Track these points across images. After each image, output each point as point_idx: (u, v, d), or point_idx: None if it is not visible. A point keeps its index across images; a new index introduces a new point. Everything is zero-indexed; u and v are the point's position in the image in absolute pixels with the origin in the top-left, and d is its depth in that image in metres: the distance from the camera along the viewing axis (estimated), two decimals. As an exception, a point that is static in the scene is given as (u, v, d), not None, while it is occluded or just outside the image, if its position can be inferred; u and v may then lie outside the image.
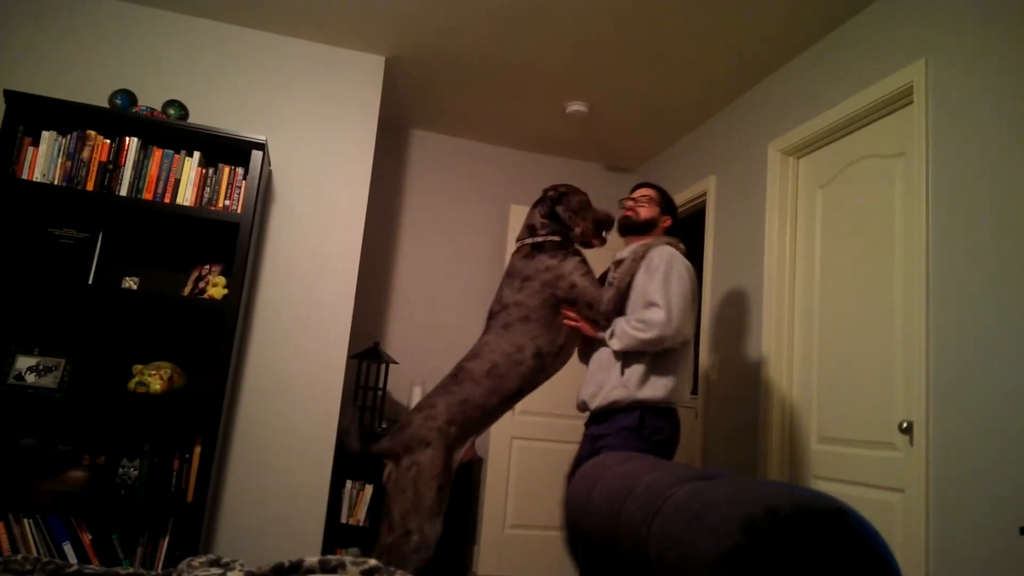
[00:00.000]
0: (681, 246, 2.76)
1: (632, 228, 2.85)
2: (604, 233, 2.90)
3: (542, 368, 2.63)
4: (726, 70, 3.70)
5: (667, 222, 2.89)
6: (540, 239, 2.74)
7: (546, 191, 2.82)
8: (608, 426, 2.60)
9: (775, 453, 3.29)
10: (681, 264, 2.64)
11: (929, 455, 2.48)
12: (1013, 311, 2.25)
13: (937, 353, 2.50)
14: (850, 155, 3.16)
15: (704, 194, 4.21)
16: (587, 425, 2.77)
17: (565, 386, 3.44)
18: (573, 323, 2.69)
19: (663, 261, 2.62)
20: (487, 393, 2.54)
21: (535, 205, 2.84)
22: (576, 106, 4.23)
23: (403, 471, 2.41)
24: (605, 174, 5.23)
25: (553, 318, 2.66)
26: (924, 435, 2.50)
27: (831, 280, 3.19)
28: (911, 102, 2.78)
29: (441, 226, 4.86)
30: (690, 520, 1.14)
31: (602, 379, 2.65)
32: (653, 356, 2.59)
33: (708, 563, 1.08)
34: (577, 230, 2.79)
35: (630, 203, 2.89)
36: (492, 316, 2.71)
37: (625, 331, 2.58)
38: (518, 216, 4.75)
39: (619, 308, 2.68)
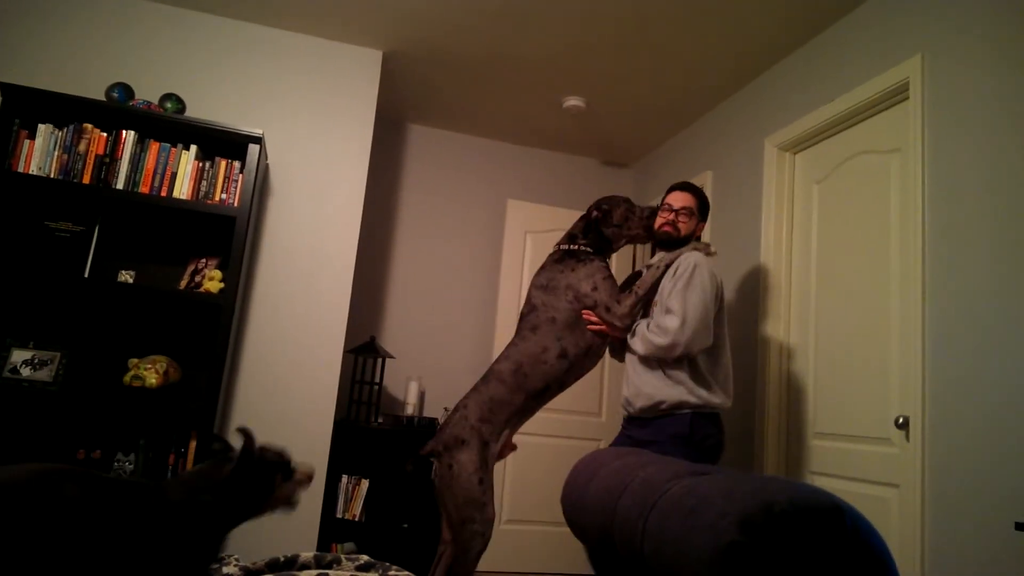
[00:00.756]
0: (712, 250, 2.79)
1: (673, 244, 2.85)
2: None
3: (569, 367, 2.74)
4: (722, 66, 3.69)
5: (701, 228, 2.92)
6: (574, 247, 2.87)
7: (590, 209, 2.93)
8: (655, 432, 2.64)
9: (771, 448, 3.30)
10: (705, 272, 2.66)
11: (925, 450, 2.49)
12: (1009, 306, 2.25)
13: (933, 348, 2.51)
14: (846, 151, 3.16)
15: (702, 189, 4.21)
16: (626, 425, 2.82)
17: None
18: (595, 327, 2.76)
19: (687, 268, 2.66)
20: (512, 391, 2.69)
21: (581, 218, 2.96)
22: (573, 101, 4.22)
23: (445, 469, 2.61)
24: (602, 169, 5.23)
25: (578, 320, 2.75)
26: (920, 430, 2.50)
27: (827, 276, 3.20)
28: (907, 98, 2.78)
29: (438, 221, 4.86)
30: (686, 516, 1.14)
31: (641, 380, 2.70)
32: (702, 357, 2.65)
33: (705, 559, 1.08)
34: (623, 242, 2.93)
35: (671, 216, 2.85)
36: (523, 318, 2.83)
37: (644, 335, 2.66)
38: (515, 211, 4.74)
39: (642, 314, 2.77)
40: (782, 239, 3.47)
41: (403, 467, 2.75)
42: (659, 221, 2.87)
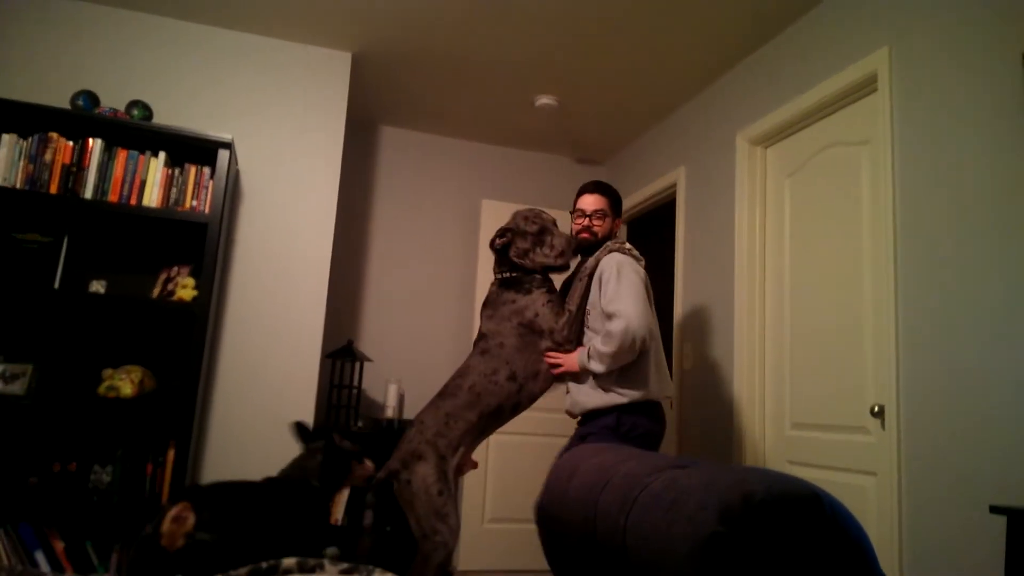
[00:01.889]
0: (627, 246, 2.81)
1: (591, 249, 2.90)
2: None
3: (519, 389, 2.76)
4: (693, 61, 3.72)
5: (618, 225, 2.98)
6: (507, 275, 2.86)
7: (492, 241, 2.89)
8: (592, 425, 2.75)
9: (749, 439, 3.33)
10: (628, 266, 2.71)
11: (900, 438, 2.52)
12: (979, 295, 2.29)
13: (906, 338, 2.55)
14: (817, 144, 3.20)
15: (674, 185, 4.24)
16: (578, 425, 2.90)
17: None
18: (553, 363, 2.78)
19: (612, 271, 2.70)
20: (466, 407, 2.70)
21: (495, 234, 2.90)
22: (545, 99, 4.23)
23: (404, 485, 2.62)
24: (575, 167, 5.24)
25: (525, 344, 2.77)
26: (895, 419, 2.54)
27: (801, 268, 3.24)
28: (875, 90, 2.82)
29: (413, 223, 4.84)
30: (667, 509, 1.15)
31: (576, 391, 2.80)
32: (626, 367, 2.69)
33: (686, 551, 1.09)
34: (537, 266, 2.84)
35: (585, 222, 2.91)
36: (476, 342, 2.86)
37: (598, 350, 2.66)
38: (489, 211, 4.74)
39: (579, 330, 2.81)
40: (755, 232, 3.50)
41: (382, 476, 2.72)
42: (575, 228, 2.94)
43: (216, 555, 1.78)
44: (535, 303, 2.78)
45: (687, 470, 1.23)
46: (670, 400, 2.81)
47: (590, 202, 2.93)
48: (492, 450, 4.53)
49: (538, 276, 2.85)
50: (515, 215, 2.90)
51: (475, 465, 2.86)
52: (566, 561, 1.74)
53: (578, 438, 2.80)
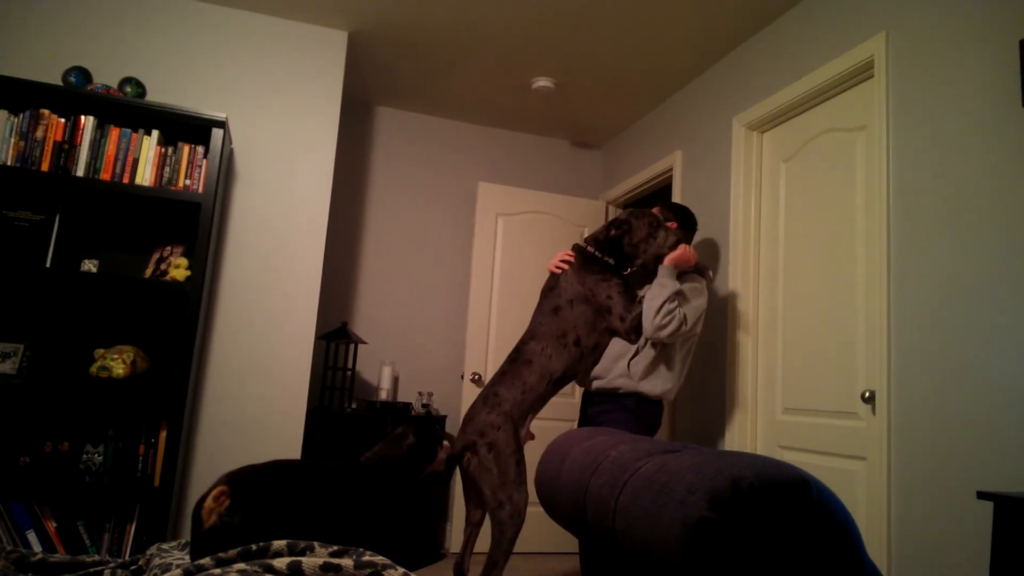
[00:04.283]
0: (711, 275, 3.12)
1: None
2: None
3: (580, 357, 2.90)
4: (691, 45, 3.69)
5: (673, 225, 3.13)
6: (597, 254, 2.97)
7: (611, 224, 3.02)
8: (610, 405, 2.93)
9: (741, 424, 3.34)
10: (702, 299, 2.96)
11: (891, 423, 2.53)
12: (972, 282, 2.30)
13: (898, 324, 2.55)
14: (813, 129, 3.18)
15: (670, 169, 4.23)
16: (585, 406, 3.08)
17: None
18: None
19: (692, 286, 2.95)
20: (538, 377, 2.83)
21: (609, 225, 3.05)
22: (542, 82, 4.20)
23: (483, 455, 2.72)
24: (572, 150, 5.22)
25: (593, 318, 2.91)
26: (886, 404, 2.55)
27: (795, 253, 3.23)
28: (872, 76, 2.81)
29: (408, 205, 4.82)
30: (656, 493, 1.15)
31: (610, 366, 2.94)
32: (657, 354, 2.89)
33: (675, 535, 1.09)
34: (638, 263, 3.00)
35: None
36: (544, 295, 2.99)
37: (666, 302, 2.81)
38: (486, 193, 4.72)
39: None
40: (750, 217, 3.49)
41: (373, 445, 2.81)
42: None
43: (243, 537, 1.79)
44: (612, 288, 2.91)
45: (677, 455, 1.23)
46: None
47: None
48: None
49: (623, 271, 3.02)
50: (628, 213, 3.04)
51: (532, 436, 2.95)
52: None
53: (589, 419, 3.00)
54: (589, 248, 3.01)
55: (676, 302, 2.82)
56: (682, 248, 2.92)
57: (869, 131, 2.84)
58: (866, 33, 2.83)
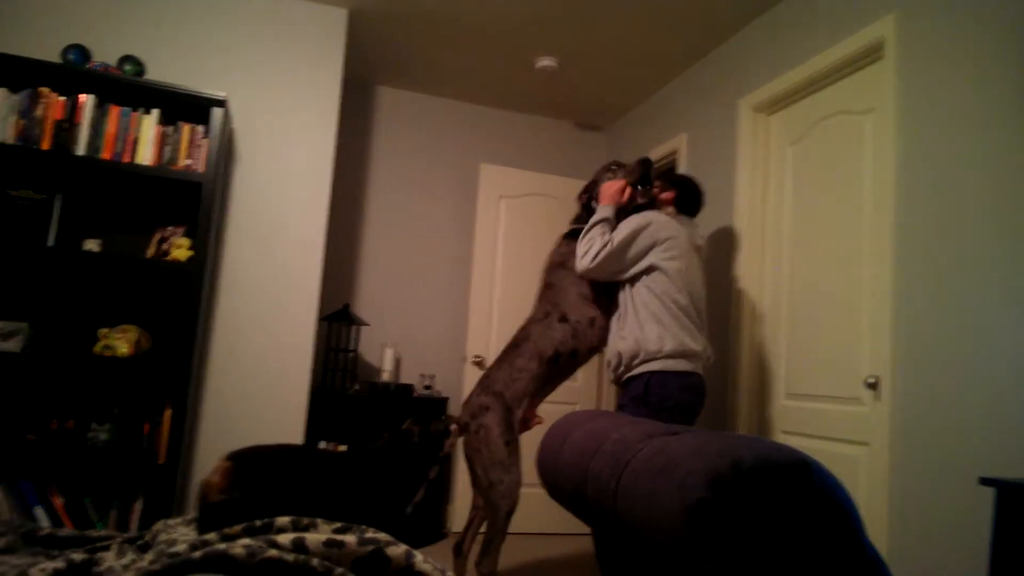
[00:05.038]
0: (676, 215, 2.94)
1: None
2: (650, 185, 3.01)
3: (574, 333, 2.87)
4: (697, 25, 3.66)
5: (669, 196, 3.01)
6: (576, 227, 2.98)
7: (579, 196, 3.07)
8: (623, 396, 2.82)
9: (744, 408, 3.35)
10: (639, 217, 2.79)
11: (894, 409, 2.53)
12: (978, 269, 2.28)
13: (903, 310, 2.54)
14: (821, 111, 3.16)
15: (676, 151, 4.20)
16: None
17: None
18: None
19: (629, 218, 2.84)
20: (528, 358, 2.83)
21: (580, 194, 3.09)
22: (546, 61, 4.17)
23: (473, 435, 2.76)
24: (576, 132, 5.19)
25: (579, 290, 2.89)
26: (889, 390, 2.55)
27: (801, 237, 3.22)
28: (881, 57, 2.78)
29: (410, 185, 4.80)
30: (656, 475, 1.15)
31: (610, 339, 2.88)
32: (634, 306, 2.76)
33: (674, 516, 1.09)
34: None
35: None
36: (540, 286, 3.01)
37: (595, 227, 2.80)
38: (488, 175, 4.70)
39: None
40: (756, 201, 3.47)
41: (382, 434, 2.86)
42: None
43: (246, 514, 1.81)
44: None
45: (677, 437, 1.23)
46: (707, 360, 2.84)
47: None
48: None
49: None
50: (598, 169, 3.07)
51: (540, 420, 2.96)
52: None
53: (619, 410, 2.88)
54: (572, 227, 3.03)
55: (602, 229, 2.77)
56: (607, 183, 2.92)
57: (878, 114, 2.81)
58: (876, 14, 2.79)
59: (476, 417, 2.77)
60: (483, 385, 2.84)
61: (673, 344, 2.69)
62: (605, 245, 2.73)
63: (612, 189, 2.90)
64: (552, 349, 2.84)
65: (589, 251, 2.76)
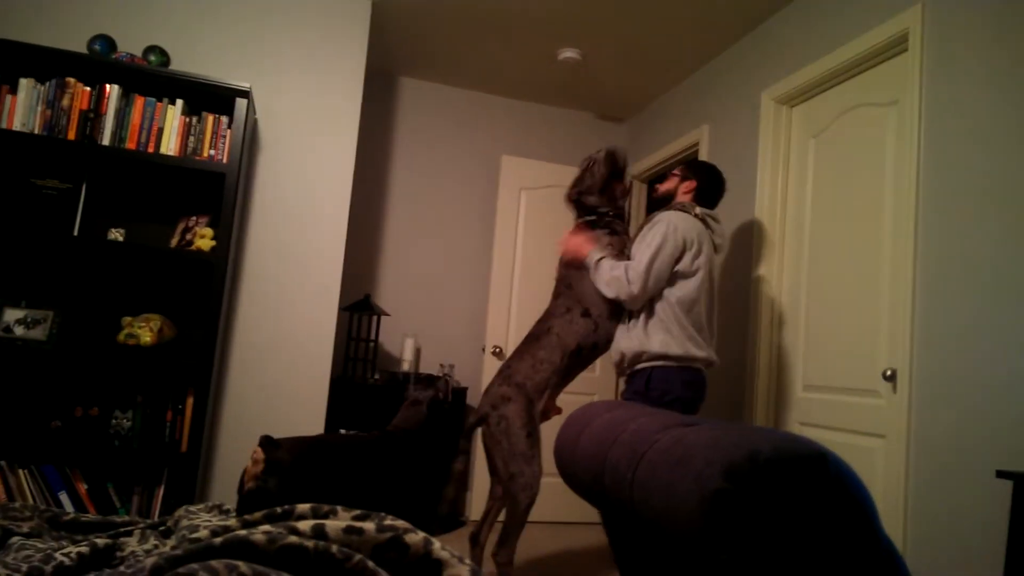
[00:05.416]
0: (696, 210, 2.87)
1: (655, 205, 3.06)
2: (620, 179, 3.05)
3: (595, 327, 2.87)
4: (720, 17, 3.63)
5: (689, 186, 2.96)
6: (589, 219, 2.98)
7: (567, 196, 3.08)
8: (627, 390, 2.83)
9: (761, 400, 3.33)
10: (664, 225, 2.74)
11: (912, 402, 2.51)
12: (999, 261, 2.25)
13: (923, 303, 2.52)
14: (844, 104, 3.12)
15: (697, 143, 4.18)
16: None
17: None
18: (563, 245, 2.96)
19: (652, 224, 2.80)
20: (550, 350, 2.83)
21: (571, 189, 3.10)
22: (568, 53, 4.16)
23: (494, 426, 2.75)
24: (597, 123, 5.17)
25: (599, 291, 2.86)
26: (907, 383, 2.53)
27: (821, 230, 3.19)
28: (906, 49, 2.74)
29: (432, 177, 4.82)
30: (673, 465, 1.16)
31: (617, 336, 2.88)
32: (664, 307, 2.74)
33: (691, 506, 1.10)
34: (613, 205, 2.99)
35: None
36: (556, 283, 3.01)
37: (601, 270, 2.78)
38: (509, 166, 4.70)
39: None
40: (777, 193, 3.45)
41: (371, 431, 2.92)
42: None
43: (278, 502, 1.84)
44: (598, 240, 2.90)
45: (694, 428, 1.23)
46: (710, 364, 2.80)
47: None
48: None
49: (611, 219, 2.96)
50: (576, 179, 3.07)
51: (559, 411, 2.97)
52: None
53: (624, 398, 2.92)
54: (578, 220, 3.03)
55: (609, 265, 2.75)
56: (569, 244, 2.92)
57: (901, 106, 2.78)
58: (901, 5, 2.76)
59: (497, 408, 2.77)
60: (504, 375, 2.84)
61: (678, 351, 2.71)
62: (627, 270, 2.70)
63: (575, 245, 2.90)
64: (575, 343, 2.85)
65: (620, 288, 2.71)
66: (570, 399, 4.63)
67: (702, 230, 2.80)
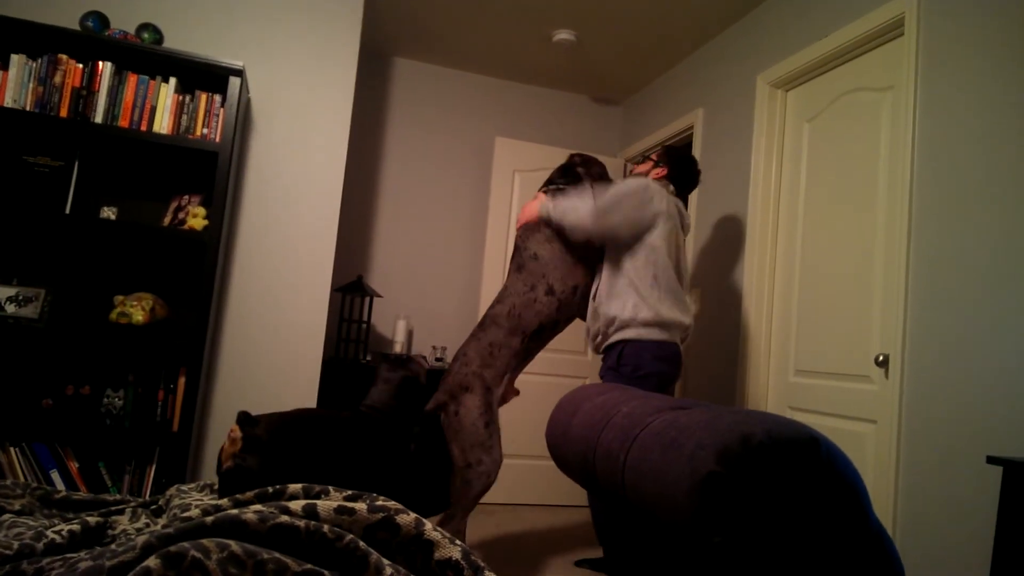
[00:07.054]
0: (671, 187, 2.88)
1: None
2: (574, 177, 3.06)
3: (559, 305, 2.81)
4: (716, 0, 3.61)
5: (660, 172, 2.96)
6: (552, 188, 2.92)
7: (572, 156, 3.05)
8: (602, 367, 2.82)
9: (753, 384, 3.35)
10: (640, 180, 2.78)
11: (903, 387, 2.53)
12: (992, 248, 2.26)
13: (915, 288, 2.53)
14: (839, 88, 3.12)
15: (691, 127, 4.17)
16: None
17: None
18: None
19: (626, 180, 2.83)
20: (508, 334, 2.75)
21: (560, 167, 3.06)
22: (563, 34, 4.13)
23: (452, 416, 2.69)
24: (592, 106, 5.15)
25: (560, 254, 2.81)
26: (899, 368, 2.54)
27: (814, 214, 3.20)
28: (902, 34, 2.74)
29: (425, 158, 4.79)
30: (666, 448, 1.16)
31: (589, 315, 2.86)
32: (619, 283, 2.73)
33: (684, 489, 1.11)
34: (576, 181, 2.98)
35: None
36: (512, 259, 2.92)
37: (561, 202, 2.77)
38: (503, 148, 4.69)
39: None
40: (771, 177, 3.45)
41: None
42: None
43: (259, 480, 1.83)
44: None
45: (687, 411, 1.24)
46: (685, 329, 2.78)
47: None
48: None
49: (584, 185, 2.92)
50: (582, 153, 3.11)
51: (517, 393, 2.92)
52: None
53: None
54: (543, 190, 3.00)
55: (575, 200, 2.74)
56: (525, 208, 2.95)
57: (896, 92, 2.78)
58: (898, -11, 2.75)
59: (455, 397, 2.70)
60: (460, 362, 2.77)
61: (648, 314, 2.68)
62: (589, 198, 2.68)
63: (531, 207, 2.92)
64: (537, 323, 2.78)
65: (578, 212, 2.68)
66: (562, 382, 4.65)
67: (673, 204, 2.81)
